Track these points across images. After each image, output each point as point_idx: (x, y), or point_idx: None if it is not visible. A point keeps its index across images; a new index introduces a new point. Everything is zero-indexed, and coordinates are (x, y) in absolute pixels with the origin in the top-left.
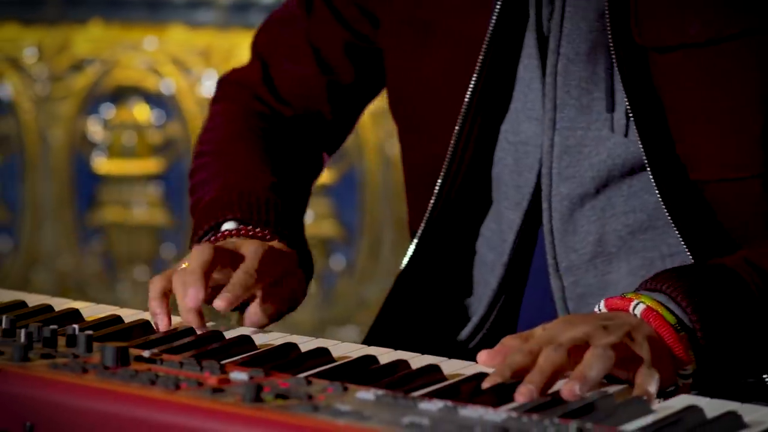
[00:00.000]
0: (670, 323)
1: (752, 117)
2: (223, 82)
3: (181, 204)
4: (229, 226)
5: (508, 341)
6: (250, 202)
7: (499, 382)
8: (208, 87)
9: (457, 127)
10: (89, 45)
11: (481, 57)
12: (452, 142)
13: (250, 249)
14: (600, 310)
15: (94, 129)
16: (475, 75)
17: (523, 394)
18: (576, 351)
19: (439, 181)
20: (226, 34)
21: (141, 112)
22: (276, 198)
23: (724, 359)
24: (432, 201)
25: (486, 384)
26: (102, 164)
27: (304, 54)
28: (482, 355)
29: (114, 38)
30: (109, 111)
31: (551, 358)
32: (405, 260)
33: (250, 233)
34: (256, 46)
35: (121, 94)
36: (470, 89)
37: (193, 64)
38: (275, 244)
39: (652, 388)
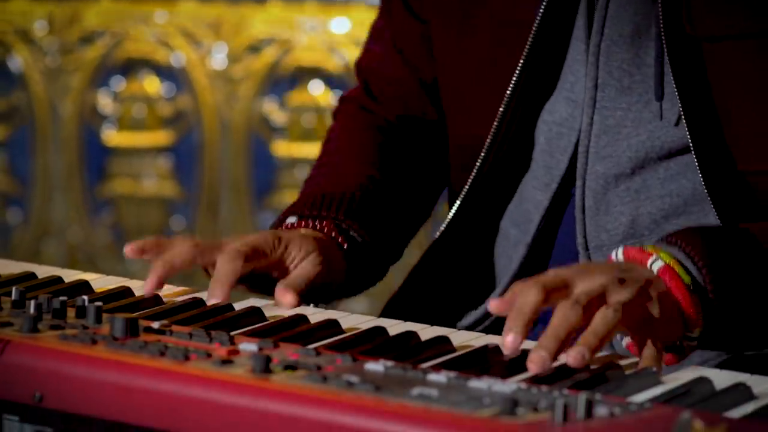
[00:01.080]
0: (685, 282)
1: None
2: (340, 101)
3: (191, 176)
4: (291, 219)
5: (519, 286)
6: (315, 200)
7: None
8: (218, 60)
9: (501, 109)
10: (99, 17)
11: (530, 40)
12: (495, 123)
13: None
14: (617, 256)
15: (104, 101)
16: (522, 58)
17: (535, 362)
18: (590, 305)
19: (479, 160)
20: (237, 6)
21: (151, 84)
22: (353, 194)
23: (732, 324)
24: (470, 179)
25: (533, 367)
26: (112, 137)
27: (392, 56)
28: (494, 302)
29: (124, 11)
30: (119, 83)
31: (567, 318)
32: (437, 234)
33: (308, 226)
34: (358, 66)
35: (131, 67)
36: (517, 72)
37: (204, 36)
38: (310, 232)
39: (657, 362)
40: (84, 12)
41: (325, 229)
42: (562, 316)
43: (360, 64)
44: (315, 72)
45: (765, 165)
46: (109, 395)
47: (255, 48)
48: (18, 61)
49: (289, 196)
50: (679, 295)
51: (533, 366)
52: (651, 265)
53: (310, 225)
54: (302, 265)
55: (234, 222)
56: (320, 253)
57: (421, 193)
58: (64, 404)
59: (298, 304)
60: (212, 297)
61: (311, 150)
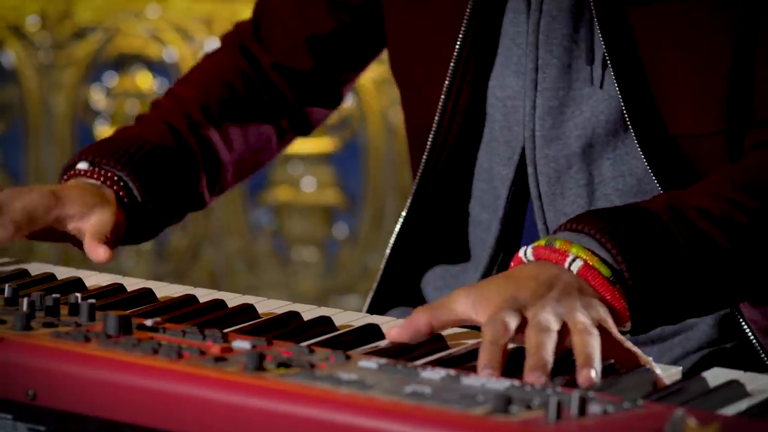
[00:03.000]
0: (605, 276)
1: (720, 72)
2: (234, 27)
3: None
4: (82, 165)
5: (420, 314)
6: (109, 148)
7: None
8: None
9: (446, 83)
10: (92, 13)
11: (468, 12)
12: (442, 98)
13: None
14: (526, 257)
15: (97, 97)
16: (462, 30)
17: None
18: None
19: (431, 138)
20: (229, 1)
21: (144, 80)
22: (144, 147)
23: (656, 306)
24: (423, 159)
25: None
26: (105, 132)
27: (287, 6)
28: (392, 330)
29: (116, 6)
30: (111, 79)
31: (544, 343)
32: (398, 224)
33: (94, 175)
34: (255, 5)
35: (123, 62)
36: (458, 44)
37: (196, 31)
38: (92, 183)
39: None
40: (76, 7)
41: (108, 182)
42: (536, 340)
43: (258, 4)
44: None
45: (692, 128)
46: (102, 393)
47: None
48: (10, 56)
49: (283, 192)
50: (606, 293)
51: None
52: (570, 266)
53: (96, 174)
54: (96, 217)
55: (227, 219)
56: (106, 204)
57: (240, 164)
58: (58, 402)
59: (112, 256)
60: None
61: (300, 146)
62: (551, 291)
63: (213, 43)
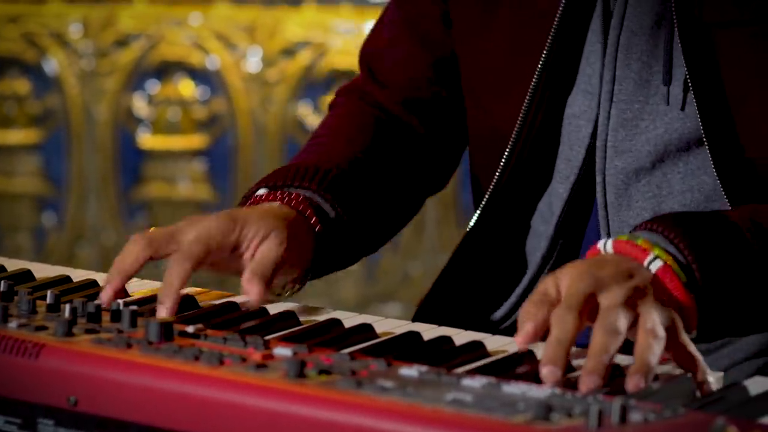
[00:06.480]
0: (682, 281)
1: None
2: (337, 94)
3: (225, 180)
4: (260, 192)
5: (527, 308)
6: (289, 171)
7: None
8: (252, 63)
9: (525, 103)
10: (134, 21)
11: (551, 33)
12: (520, 117)
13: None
14: (605, 249)
15: (139, 104)
16: (545, 51)
17: (587, 386)
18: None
19: (505, 156)
20: (271, 10)
21: (186, 87)
22: (333, 167)
23: (720, 309)
24: (496, 176)
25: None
26: (146, 140)
27: (404, 38)
28: (518, 339)
29: (159, 14)
30: (153, 86)
31: (606, 345)
32: (467, 231)
33: (277, 198)
34: (362, 54)
35: (165, 70)
36: (540, 65)
37: (238, 39)
38: (275, 207)
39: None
40: (119, 15)
41: (293, 202)
42: (602, 342)
43: (365, 50)
44: (350, 75)
45: None
46: (143, 399)
47: (290, 51)
48: (53, 64)
49: None
50: (679, 294)
51: (585, 388)
52: (649, 265)
53: (278, 197)
54: (263, 247)
55: None
56: (284, 229)
57: (404, 192)
58: (99, 408)
59: (266, 294)
60: (160, 305)
61: None
62: (629, 281)
63: (255, 52)
